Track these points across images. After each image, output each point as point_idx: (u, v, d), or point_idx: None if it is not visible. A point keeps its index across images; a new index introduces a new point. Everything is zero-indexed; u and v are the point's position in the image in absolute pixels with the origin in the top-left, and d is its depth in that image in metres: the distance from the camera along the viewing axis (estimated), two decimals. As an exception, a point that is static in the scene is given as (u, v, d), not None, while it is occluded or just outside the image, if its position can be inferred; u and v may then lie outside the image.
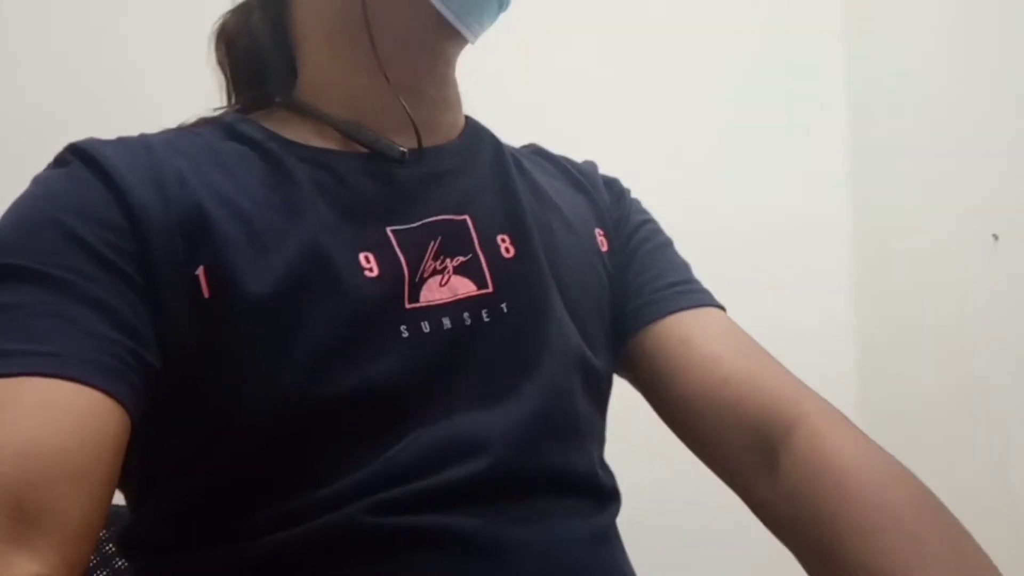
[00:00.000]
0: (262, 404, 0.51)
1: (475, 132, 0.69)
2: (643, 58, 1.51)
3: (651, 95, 1.51)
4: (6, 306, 0.46)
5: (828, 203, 1.56)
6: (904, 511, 0.50)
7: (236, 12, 0.69)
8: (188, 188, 0.53)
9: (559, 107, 1.40)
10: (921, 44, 1.43)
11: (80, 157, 0.53)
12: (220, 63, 0.70)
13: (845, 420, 0.58)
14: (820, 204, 1.56)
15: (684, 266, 0.73)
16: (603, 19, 1.50)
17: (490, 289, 0.59)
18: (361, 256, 0.55)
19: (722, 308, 0.69)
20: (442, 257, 0.58)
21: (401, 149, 0.60)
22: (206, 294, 0.51)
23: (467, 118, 0.70)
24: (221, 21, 0.70)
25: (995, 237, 1.24)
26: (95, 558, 0.73)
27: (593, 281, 0.67)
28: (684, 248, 0.75)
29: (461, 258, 0.59)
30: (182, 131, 0.61)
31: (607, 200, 0.73)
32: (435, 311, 0.56)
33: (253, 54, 0.67)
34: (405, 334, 0.55)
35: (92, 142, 0.54)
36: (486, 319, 0.58)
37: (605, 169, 0.77)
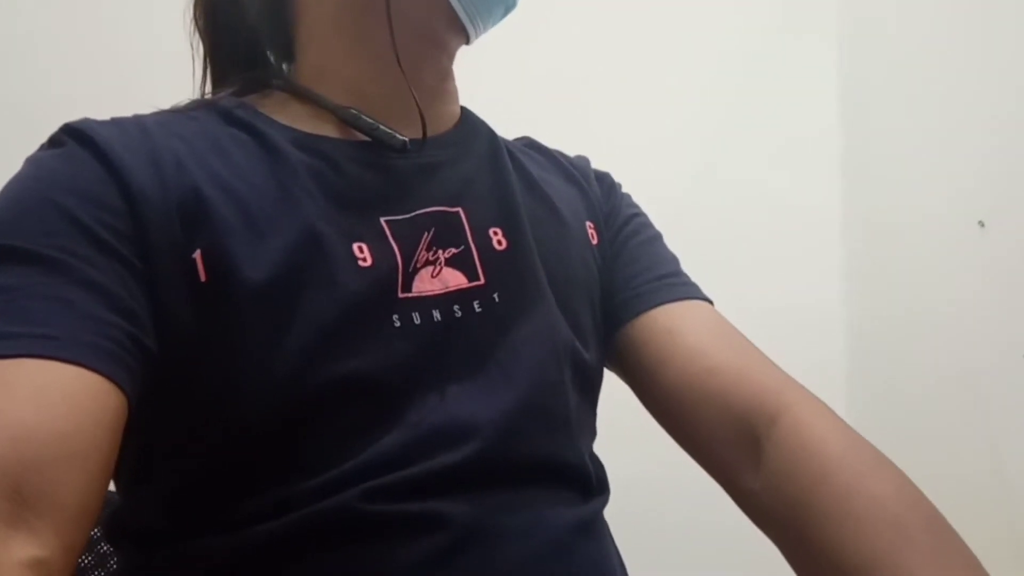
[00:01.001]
0: (255, 390, 0.51)
1: (471, 123, 0.69)
2: (635, 53, 1.51)
3: (644, 88, 1.51)
4: (2, 288, 0.45)
5: (818, 192, 1.58)
6: (886, 498, 0.51)
7: None
8: (185, 171, 0.53)
9: (551, 101, 1.40)
10: (911, 33, 1.44)
11: (75, 137, 0.52)
12: (199, 31, 0.67)
13: (829, 411, 0.58)
14: (810, 193, 1.57)
15: (673, 259, 0.73)
16: (596, 13, 1.50)
17: (481, 281, 0.59)
18: (355, 246, 0.55)
19: (709, 301, 0.70)
20: (435, 248, 0.58)
21: (402, 138, 0.60)
22: (203, 278, 0.51)
23: (463, 109, 0.70)
24: None
25: (981, 224, 1.25)
26: (91, 558, 0.73)
27: (584, 274, 0.67)
28: (675, 236, 0.76)
29: (453, 250, 0.59)
30: (177, 112, 0.60)
31: (598, 193, 0.74)
32: (426, 303, 0.56)
33: (240, 28, 0.65)
34: (397, 323, 0.55)
35: (87, 122, 0.54)
36: (478, 310, 0.58)
37: (597, 164, 0.77)
